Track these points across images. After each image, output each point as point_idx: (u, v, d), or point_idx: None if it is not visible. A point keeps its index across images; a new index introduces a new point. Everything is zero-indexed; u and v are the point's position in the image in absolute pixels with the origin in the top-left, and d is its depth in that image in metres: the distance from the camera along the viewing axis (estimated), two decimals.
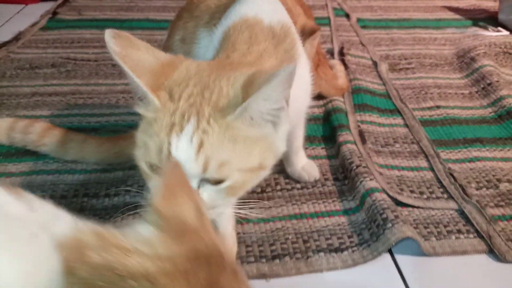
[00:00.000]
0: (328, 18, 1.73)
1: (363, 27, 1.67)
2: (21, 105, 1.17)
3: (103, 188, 0.89)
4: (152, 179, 0.59)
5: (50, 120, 1.07)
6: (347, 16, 1.78)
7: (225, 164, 0.55)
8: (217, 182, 0.57)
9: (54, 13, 1.79)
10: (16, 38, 1.55)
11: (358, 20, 1.73)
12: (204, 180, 0.57)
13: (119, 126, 1.09)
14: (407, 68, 1.38)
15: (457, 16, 1.81)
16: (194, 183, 0.57)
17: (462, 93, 1.25)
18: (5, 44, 1.50)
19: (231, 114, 0.55)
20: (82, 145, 0.95)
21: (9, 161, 0.96)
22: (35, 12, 1.80)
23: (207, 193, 0.58)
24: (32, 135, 0.96)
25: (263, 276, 0.73)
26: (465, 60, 1.39)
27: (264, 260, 0.75)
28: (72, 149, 0.95)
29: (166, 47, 0.87)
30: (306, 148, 1.00)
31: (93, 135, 1.01)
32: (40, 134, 0.96)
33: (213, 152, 0.54)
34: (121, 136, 0.98)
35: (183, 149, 0.54)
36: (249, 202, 0.67)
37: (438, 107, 1.18)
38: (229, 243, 0.75)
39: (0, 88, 1.25)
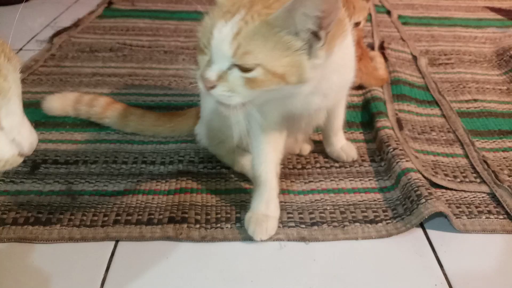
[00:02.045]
0: (369, 14, 1.78)
1: (404, 23, 1.71)
2: (83, 83, 1.28)
3: (159, 157, 0.99)
4: (200, 55, 0.68)
5: (112, 98, 1.16)
6: (388, 13, 1.82)
7: (250, 53, 0.62)
8: (244, 70, 0.64)
9: (109, 3, 1.91)
10: (76, 24, 1.68)
11: (399, 17, 1.78)
12: (234, 66, 0.64)
13: (172, 105, 1.19)
14: (447, 63, 1.42)
15: (498, 17, 1.83)
16: (225, 65, 0.64)
17: (500, 89, 1.29)
18: (66, 29, 1.63)
19: (274, 14, 0.62)
20: (141, 118, 1.05)
21: (75, 130, 1.07)
22: (92, 2, 1.93)
23: (232, 76, 0.65)
24: (96, 108, 1.06)
25: (303, 239, 0.80)
26: (504, 58, 1.42)
27: (303, 226, 0.82)
28: (132, 122, 1.05)
29: None
30: (344, 132, 1.05)
31: None
32: (104, 107, 1.06)
33: (245, 40, 0.62)
34: (176, 112, 1.07)
35: (223, 32, 0.62)
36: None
37: (475, 100, 1.22)
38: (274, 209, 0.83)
39: (63, 67, 1.37)
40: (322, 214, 0.85)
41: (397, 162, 0.93)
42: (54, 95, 1.09)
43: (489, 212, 0.86)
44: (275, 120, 0.81)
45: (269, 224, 0.80)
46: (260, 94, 0.67)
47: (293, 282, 0.73)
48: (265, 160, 0.83)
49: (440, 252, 0.79)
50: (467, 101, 1.23)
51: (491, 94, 1.26)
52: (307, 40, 0.64)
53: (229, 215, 0.84)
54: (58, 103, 1.08)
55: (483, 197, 0.90)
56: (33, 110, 1.11)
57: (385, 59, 1.38)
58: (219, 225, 0.82)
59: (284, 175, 0.94)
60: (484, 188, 0.91)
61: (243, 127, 0.82)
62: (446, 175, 0.95)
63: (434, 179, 0.92)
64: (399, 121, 1.10)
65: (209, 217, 0.84)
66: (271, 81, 0.64)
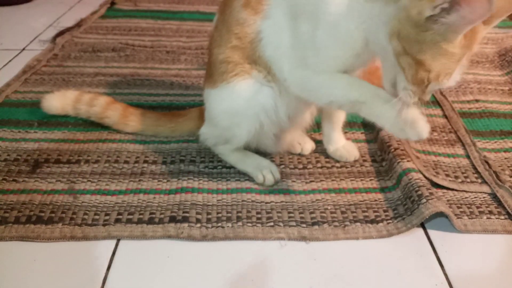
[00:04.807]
0: None
1: None
2: (86, 83, 1.29)
3: (160, 157, 0.99)
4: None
5: (112, 97, 1.16)
6: None
7: None
8: None
9: (112, 3, 1.92)
10: (78, 24, 1.68)
11: None
12: None
13: (174, 105, 1.19)
14: None
15: None
16: None
17: (502, 89, 1.29)
18: (69, 29, 1.64)
19: None
20: (141, 118, 1.05)
21: (77, 130, 1.07)
22: (94, 2, 1.93)
23: None
24: (96, 107, 1.06)
25: (303, 238, 0.80)
26: (506, 59, 1.42)
27: (304, 225, 0.82)
28: (132, 122, 1.05)
29: None
30: (346, 132, 1.06)
31: None
32: (104, 107, 1.06)
33: None
34: (176, 112, 1.08)
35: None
36: None
37: (477, 100, 1.22)
38: None
39: (66, 67, 1.37)
40: (323, 214, 0.85)
41: (398, 162, 0.93)
42: (54, 94, 1.09)
43: (490, 212, 0.86)
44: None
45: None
46: None
47: (294, 281, 0.73)
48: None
49: (441, 252, 0.79)
50: (469, 101, 1.23)
51: (493, 95, 1.26)
52: None
53: (230, 214, 0.84)
54: (58, 102, 1.07)
55: (484, 197, 0.90)
56: (36, 110, 1.11)
57: None
58: (220, 224, 0.82)
59: (285, 175, 0.95)
60: (485, 188, 0.92)
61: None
62: (447, 175, 0.95)
63: (435, 179, 0.92)
64: None
65: (210, 216, 0.84)
66: None
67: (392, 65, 0.69)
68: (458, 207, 0.87)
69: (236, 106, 0.87)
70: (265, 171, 0.92)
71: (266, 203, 0.87)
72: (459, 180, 0.94)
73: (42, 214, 0.83)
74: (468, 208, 0.87)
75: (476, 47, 0.67)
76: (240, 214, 0.84)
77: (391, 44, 0.66)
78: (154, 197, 0.88)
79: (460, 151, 1.03)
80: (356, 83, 0.78)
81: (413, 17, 0.62)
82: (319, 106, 0.91)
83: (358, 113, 0.79)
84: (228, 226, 0.82)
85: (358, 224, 0.83)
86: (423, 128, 0.74)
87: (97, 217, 0.83)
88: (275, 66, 0.83)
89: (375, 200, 0.89)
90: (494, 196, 0.90)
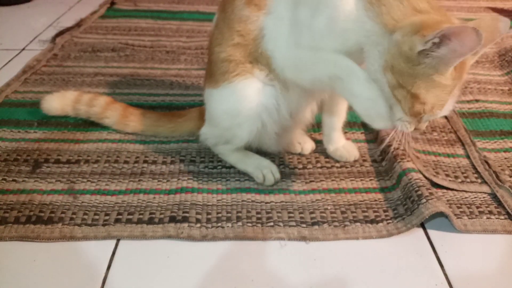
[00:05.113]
0: None
1: None
2: (85, 83, 1.29)
3: (160, 157, 0.99)
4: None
5: (112, 97, 1.16)
6: None
7: None
8: None
9: (112, 3, 1.92)
10: (78, 24, 1.68)
11: None
12: None
13: (173, 105, 1.19)
14: None
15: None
16: None
17: (502, 89, 1.29)
18: (69, 29, 1.64)
19: None
20: (141, 119, 1.05)
21: (77, 130, 1.07)
22: (94, 2, 1.93)
23: None
24: (96, 108, 1.06)
25: (303, 238, 0.80)
26: (506, 59, 1.42)
27: (304, 225, 0.82)
28: (132, 122, 1.05)
29: None
30: (346, 132, 1.06)
31: None
32: (104, 107, 1.06)
33: None
34: (176, 112, 1.08)
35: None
36: None
37: (477, 100, 1.22)
38: None
39: (66, 67, 1.37)
40: (323, 214, 0.85)
41: (398, 162, 0.93)
42: (53, 95, 1.08)
43: (490, 212, 0.86)
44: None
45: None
46: None
47: (294, 281, 0.73)
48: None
49: (440, 252, 0.79)
50: (468, 101, 1.23)
51: (493, 95, 1.26)
52: None
53: (230, 214, 0.84)
54: (57, 103, 1.07)
55: (484, 197, 0.90)
56: (35, 110, 1.11)
57: None
58: (220, 224, 0.82)
59: (285, 175, 0.95)
60: (485, 188, 0.92)
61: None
62: (447, 175, 0.95)
63: (435, 179, 0.92)
64: None
65: (210, 216, 0.84)
66: None
67: (387, 96, 0.70)
68: (458, 207, 0.87)
69: (238, 107, 0.87)
70: (265, 170, 0.92)
71: (266, 203, 0.87)
72: (459, 180, 0.94)
73: (42, 214, 0.83)
74: (468, 208, 0.87)
75: (465, 77, 0.69)
76: (240, 214, 0.84)
77: (386, 77, 0.68)
78: (154, 197, 0.88)
79: (460, 151, 1.03)
80: (340, 60, 0.76)
81: (405, 52, 0.64)
82: (307, 88, 0.85)
83: (335, 90, 0.78)
84: (228, 226, 0.82)
85: (358, 224, 0.83)
86: (389, 119, 0.74)
87: (97, 217, 0.83)
88: (273, 57, 0.82)
89: (375, 200, 0.89)
90: (494, 196, 0.90)
